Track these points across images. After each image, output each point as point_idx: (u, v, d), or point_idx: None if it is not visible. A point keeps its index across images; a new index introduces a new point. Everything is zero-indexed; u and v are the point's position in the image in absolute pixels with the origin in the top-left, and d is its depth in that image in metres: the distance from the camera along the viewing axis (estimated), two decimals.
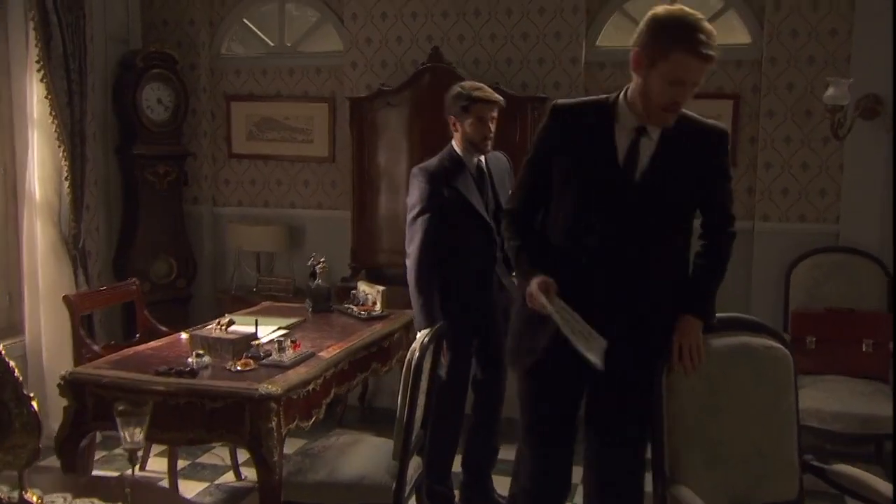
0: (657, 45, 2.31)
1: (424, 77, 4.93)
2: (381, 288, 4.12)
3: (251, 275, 5.60)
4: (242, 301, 5.06)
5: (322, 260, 4.17)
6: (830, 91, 4.33)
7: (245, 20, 5.71)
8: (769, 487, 2.55)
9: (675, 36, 2.28)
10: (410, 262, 3.52)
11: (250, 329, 3.42)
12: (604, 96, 2.56)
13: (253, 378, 2.98)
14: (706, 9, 4.96)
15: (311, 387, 3.11)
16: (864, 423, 3.93)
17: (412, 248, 3.53)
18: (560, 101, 2.62)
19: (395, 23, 5.24)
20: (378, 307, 4.07)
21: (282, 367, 3.09)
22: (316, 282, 4.18)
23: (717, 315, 2.62)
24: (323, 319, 4.01)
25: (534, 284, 2.47)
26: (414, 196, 3.58)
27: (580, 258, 2.52)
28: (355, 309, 4.10)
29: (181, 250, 5.61)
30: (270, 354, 3.19)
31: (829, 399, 4.09)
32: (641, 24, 2.38)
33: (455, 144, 3.69)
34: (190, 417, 2.90)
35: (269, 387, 2.87)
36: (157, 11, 5.67)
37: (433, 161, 3.66)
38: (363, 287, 4.22)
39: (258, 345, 3.27)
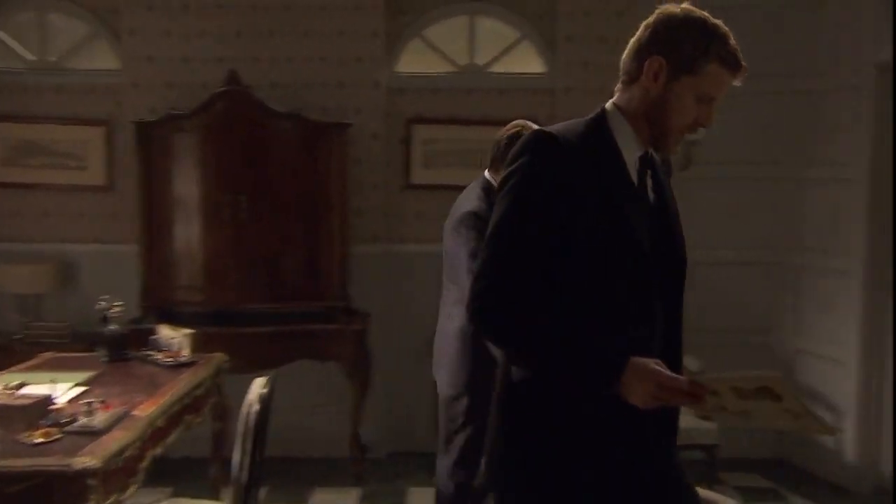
0: (685, 53, 1.81)
1: (220, 101, 4.58)
2: (187, 331, 3.74)
3: (15, 319, 4.89)
4: (6, 351, 4.41)
5: (117, 303, 3.71)
6: None
7: None
8: None
9: (708, 44, 1.81)
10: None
11: (44, 390, 2.93)
12: (590, 117, 1.92)
13: (61, 450, 2.53)
14: (501, 39, 5.08)
15: (128, 453, 2.71)
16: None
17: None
18: (547, 130, 1.85)
19: (182, 41, 4.84)
20: (185, 353, 3.68)
21: (94, 434, 2.66)
22: (109, 327, 3.70)
23: None
24: (122, 370, 3.55)
25: (657, 370, 1.69)
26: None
27: (623, 338, 1.80)
28: (159, 356, 3.68)
29: None
30: (76, 419, 2.74)
31: None
32: (656, 27, 1.86)
33: (494, 181, 3.35)
34: None
35: (86, 460, 2.45)
36: None
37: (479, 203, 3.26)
38: (166, 331, 3.81)
39: (58, 408, 2.81)
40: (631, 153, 1.86)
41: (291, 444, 4.68)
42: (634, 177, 1.85)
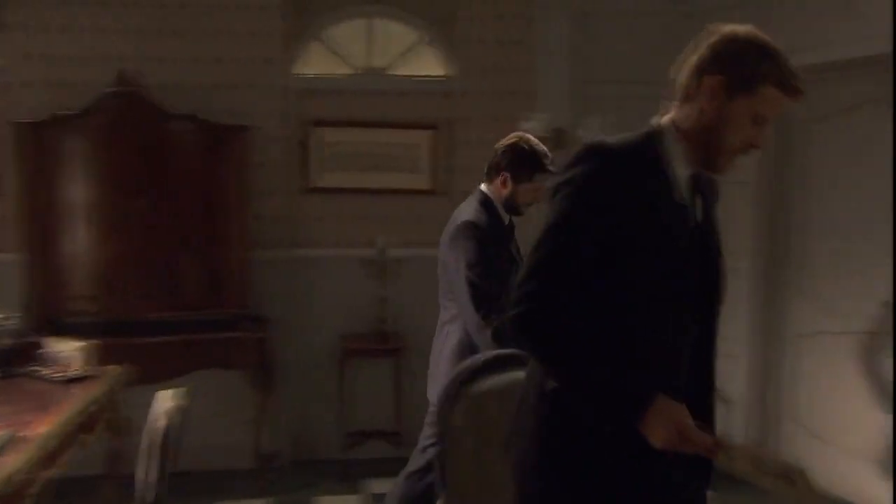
0: (745, 73, 1.79)
1: (110, 102, 4.37)
2: (79, 344, 3.55)
3: None
4: None
5: (5, 315, 3.49)
6: (529, 124, 4.62)
7: None
8: None
9: (769, 66, 1.79)
10: None
11: None
12: (645, 133, 1.88)
13: None
14: (401, 41, 5.07)
15: (17, 478, 2.55)
16: None
17: None
18: (606, 142, 1.82)
19: (75, 37, 4.60)
20: (77, 367, 3.50)
21: None
22: None
23: (488, 354, 2.61)
24: (7, 388, 3.34)
25: (681, 419, 1.71)
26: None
27: (661, 360, 1.83)
28: (47, 371, 3.49)
29: None
30: None
31: None
32: (718, 46, 1.84)
33: (490, 193, 3.29)
34: None
35: None
36: None
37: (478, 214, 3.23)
38: (55, 344, 3.61)
39: None
40: (683, 172, 1.86)
41: (192, 458, 4.50)
42: (684, 196, 1.86)
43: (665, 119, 1.89)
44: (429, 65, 5.09)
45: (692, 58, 1.88)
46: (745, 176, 4.76)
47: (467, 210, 3.25)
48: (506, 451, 2.04)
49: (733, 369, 4.86)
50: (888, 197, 4.06)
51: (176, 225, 4.44)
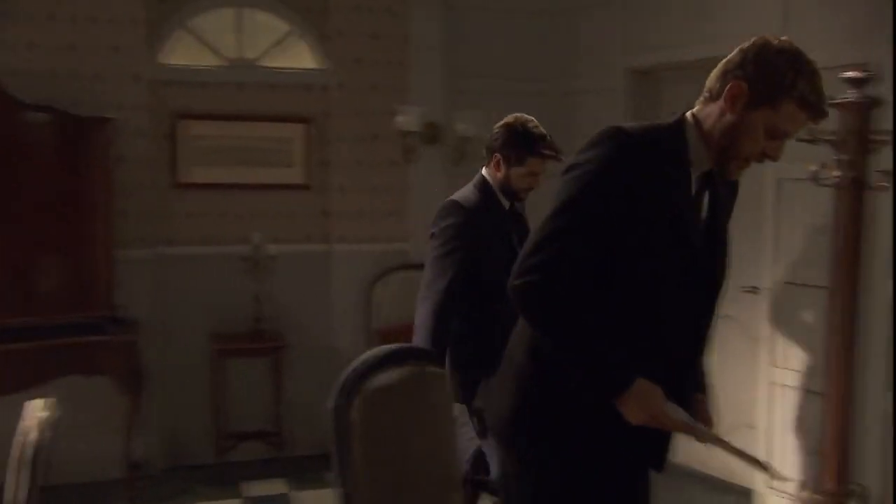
0: (769, 85, 1.80)
1: None
2: None
3: None
4: None
5: None
6: (401, 118, 4.62)
7: None
8: None
9: (794, 82, 1.79)
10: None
11: None
12: (668, 124, 1.93)
13: None
14: (272, 32, 4.94)
15: None
16: None
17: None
18: (626, 128, 1.87)
19: None
20: None
21: None
22: None
23: (385, 348, 2.59)
24: None
25: (656, 404, 1.81)
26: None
27: (654, 343, 1.90)
28: None
29: None
30: None
31: None
32: (748, 53, 1.83)
33: (489, 177, 3.11)
34: None
35: None
36: None
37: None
38: None
39: None
40: (698, 167, 1.90)
41: (58, 470, 4.22)
42: (692, 191, 1.89)
43: (690, 113, 1.93)
44: (301, 57, 4.99)
45: (723, 60, 1.89)
46: None
47: (461, 191, 3.14)
48: (483, 405, 2.21)
49: None
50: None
51: (34, 224, 4.15)
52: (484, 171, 3.15)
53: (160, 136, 4.73)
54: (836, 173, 3.12)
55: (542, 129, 3.05)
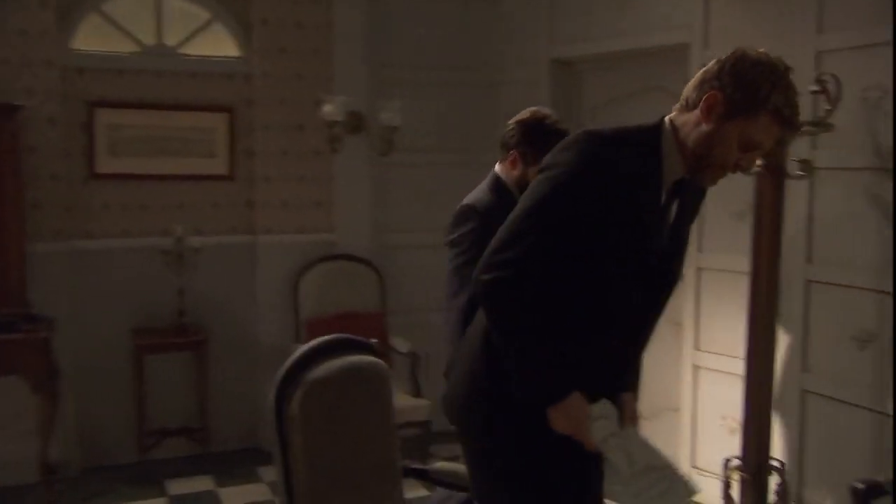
0: (745, 97, 1.81)
1: None
2: None
3: None
4: None
5: None
6: (327, 107, 4.56)
7: None
8: (391, 498, 2.59)
9: (769, 95, 1.80)
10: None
11: None
12: (646, 127, 1.94)
13: None
14: (192, 19, 4.82)
15: None
16: None
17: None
18: (601, 132, 1.92)
19: None
20: None
21: None
22: None
23: (324, 339, 2.56)
24: None
25: (580, 421, 1.90)
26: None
27: (606, 343, 1.99)
28: None
29: None
30: None
31: None
32: (725, 64, 1.84)
33: (503, 174, 2.93)
34: None
35: None
36: None
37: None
38: None
39: None
40: (671, 175, 1.92)
41: None
42: (664, 197, 1.92)
43: (668, 118, 1.94)
44: (223, 45, 4.87)
45: (701, 70, 1.92)
46: None
47: (473, 193, 2.99)
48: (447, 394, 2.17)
49: None
50: None
51: None
52: (497, 167, 2.99)
53: (75, 125, 4.54)
54: (758, 162, 3.22)
55: (561, 125, 2.89)
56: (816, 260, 3.61)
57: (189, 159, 4.80)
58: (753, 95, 1.80)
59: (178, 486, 4.47)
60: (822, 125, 3.13)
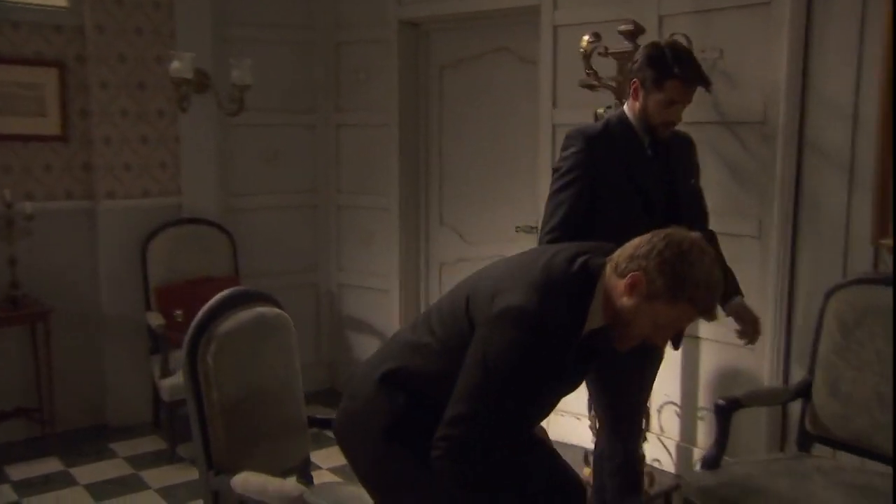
0: (667, 285, 1.86)
1: None
2: None
3: None
4: None
5: None
6: (175, 64, 4.35)
7: None
8: (300, 448, 2.60)
9: (693, 291, 1.87)
10: None
11: None
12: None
13: None
14: None
15: None
16: None
17: None
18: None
19: None
20: None
21: None
22: None
23: (230, 291, 2.50)
24: None
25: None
26: None
27: None
28: None
29: None
30: None
31: None
32: (656, 246, 1.89)
33: (627, 109, 2.81)
34: None
35: None
36: None
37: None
38: None
39: None
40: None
41: None
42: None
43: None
44: None
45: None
46: (387, 119, 5.05)
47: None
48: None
49: (386, 304, 5.18)
50: (510, 135, 4.65)
51: None
52: (625, 105, 2.86)
53: None
54: None
55: (688, 52, 2.77)
56: None
57: (15, 118, 4.40)
58: (676, 287, 1.87)
59: (21, 471, 4.16)
60: None
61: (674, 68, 2.65)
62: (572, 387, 2.16)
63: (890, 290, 2.93)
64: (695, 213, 2.88)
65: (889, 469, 2.76)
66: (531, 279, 1.91)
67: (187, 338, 2.34)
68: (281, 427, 2.53)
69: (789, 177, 3.45)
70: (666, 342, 2.06)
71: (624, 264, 1.92)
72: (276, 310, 2.60)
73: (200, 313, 2.38)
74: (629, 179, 2.74)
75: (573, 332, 1.91)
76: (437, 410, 1.92)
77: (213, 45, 4.81)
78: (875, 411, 2.86)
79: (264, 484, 2.20)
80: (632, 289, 1.89)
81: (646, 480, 3.57)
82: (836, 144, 3.33)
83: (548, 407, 2.12)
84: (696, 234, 1.93)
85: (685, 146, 2.94)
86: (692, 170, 2.96)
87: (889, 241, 3.15)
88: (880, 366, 2.89)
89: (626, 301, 1.90)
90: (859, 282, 3.06)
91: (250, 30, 4.98)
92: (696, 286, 1.86)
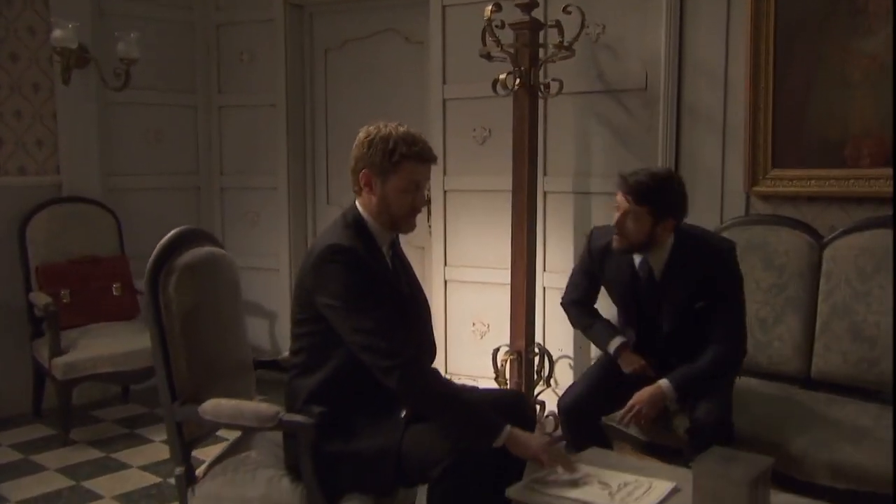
0: (381, 160, 2.28)
1: None
2: None
3: None
4: None
5: None
6: (58, 33, 4.20)
7: None
8: (247, 389, 2.63)
9: (394, 149, 2.28)
10: None
11: None
12: (346, 222, 2.37)
13: None
14: None
15: None
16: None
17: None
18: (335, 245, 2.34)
19: None
20: None
21: None
22: None
23: (180, 229, 2.51)
24: None
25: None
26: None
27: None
28: None
29: None
30: None
31: (113, 344, 4.16)
32: (355, 149, 2.33)
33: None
34: None
35: None
36: None
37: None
38: None
39: None
40: (384, 241, 2.40)
41: None
42: (389, 259, 2.44)
43: (359, 207, 2.38)
44: None
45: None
46: (274, 99, 5.08)
47: None
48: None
49: (277, 283, 5.18)
50: (397, 114, 4.76)
51: None
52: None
53: None
54: (517, 81, 3.70)
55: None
56: (551, 172, 4.20)
57: None
58: (386, 157, 2.29)
59: None
60: (569, 49, 3.69)
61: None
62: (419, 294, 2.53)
63: (758, 229, 3.41)
64: None
65: None
66: (324, 239, 2.31)
67: (147, 271, 2.35)
68: (235, 365, 2.57)
69: (670, 137, 3.82)
70: (422, 203, 2.39)
71: (353, 181, 2.34)
72: (222, 250, 2.63)
73: (158, 247, 2.39)
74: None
75: (369, 249, 2.29)
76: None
77: (93, 18, 4.66)
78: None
79: (238, 406, 2.24)
80: (368, 184, 2.30)
81: (552, 422, 3.84)
82: (710, 106, 3.74)
83: (422, 311, 2.51)
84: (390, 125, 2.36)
85: None
86: None
87: (758, 189, 3.60)
88: (761, 294, 3.30)
89: (374, 196, 2.30)
90: (734, 224, 3.56)
91: (130, 6, 4.87)
92: (398, 144, 2.26)
